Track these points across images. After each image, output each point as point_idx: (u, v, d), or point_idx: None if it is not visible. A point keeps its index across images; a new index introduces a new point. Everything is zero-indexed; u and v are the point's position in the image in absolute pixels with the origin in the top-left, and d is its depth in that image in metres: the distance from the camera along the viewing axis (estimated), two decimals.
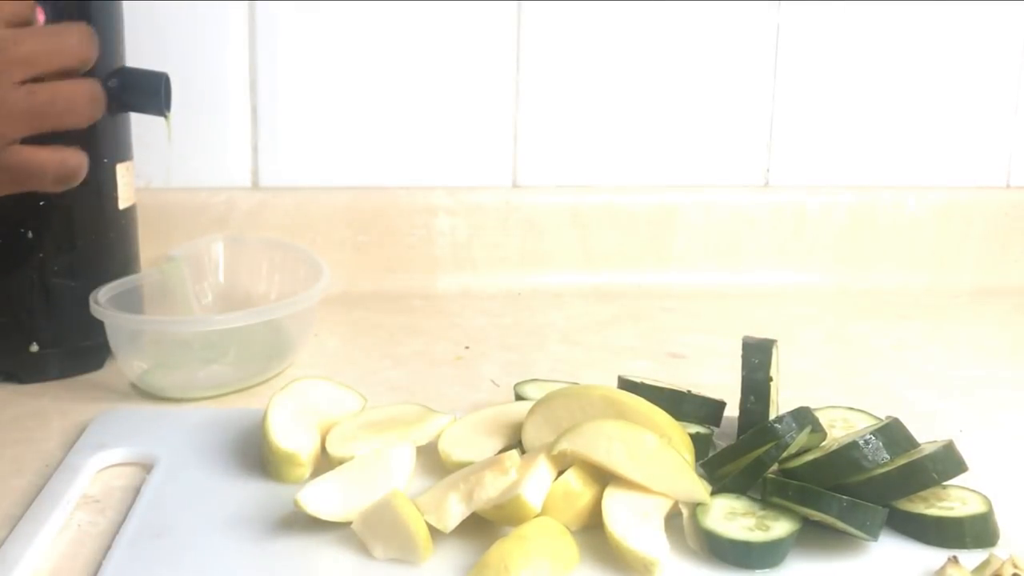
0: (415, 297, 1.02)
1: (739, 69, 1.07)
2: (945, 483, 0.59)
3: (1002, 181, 1.12)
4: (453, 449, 0.65)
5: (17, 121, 0.54)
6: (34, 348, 0.79)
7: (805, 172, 1.10)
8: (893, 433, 0.60)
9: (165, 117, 0.82)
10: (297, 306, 0.79)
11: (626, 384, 0.71)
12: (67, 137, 0.78)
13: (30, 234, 0.78)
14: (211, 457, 0.67)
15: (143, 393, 0.78)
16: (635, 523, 0.56)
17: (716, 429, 0.69)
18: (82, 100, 0.56)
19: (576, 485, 0.59)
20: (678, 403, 0.68)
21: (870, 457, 0.59)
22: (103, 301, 0.77)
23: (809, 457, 0.62)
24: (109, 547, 0.57)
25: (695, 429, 0.66)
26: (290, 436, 0.65)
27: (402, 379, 0.83)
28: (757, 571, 0.56)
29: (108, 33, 0.81)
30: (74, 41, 0.56)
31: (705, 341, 0.92)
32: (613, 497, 0.58)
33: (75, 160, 0.57)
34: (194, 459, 0.67)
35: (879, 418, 0.66)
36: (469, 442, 0.66)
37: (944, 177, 1.11)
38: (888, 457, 0.59)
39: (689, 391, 0.70)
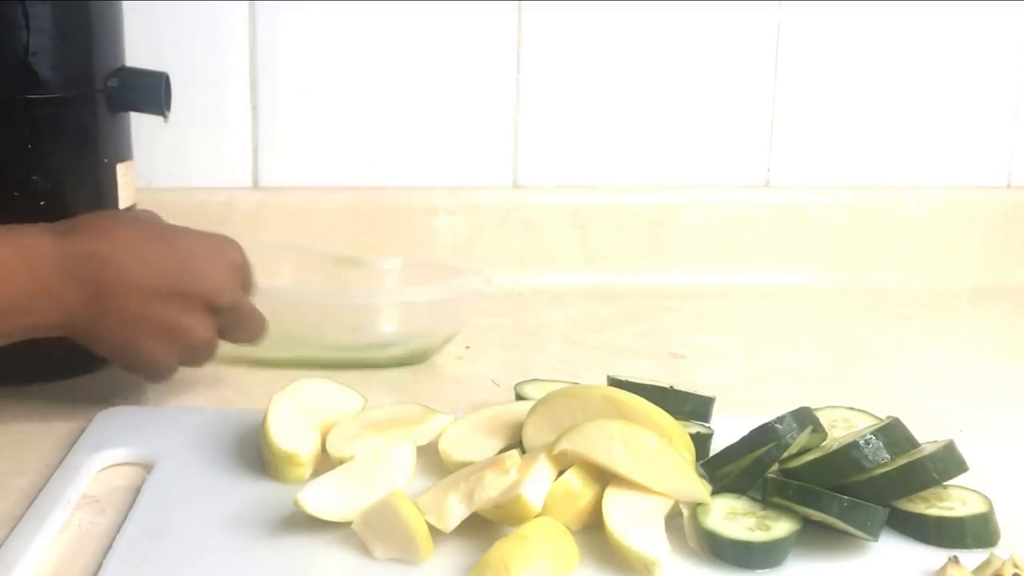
0: None
1: (740, 69, 1.07)
2: (946, 483, 0.59)
3: (1002, 181, 1.12)
4: (453, 449, 0.65)
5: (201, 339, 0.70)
6: None
7: (806, 172, 1.10)
8: (894, 433, 0.60)
9: (164, 117, 0.82)
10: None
11: (613, 382, 0.71)
12: (62, 138, 0.78)
13: None
14: (211, 457, 0.67)
15: (143, 393, 0.78)
16: (635, 523, 0.56)
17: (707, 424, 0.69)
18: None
19: (577, 485, 0.59)
20: (659, 399, 0.65)
21: (871, 457, 0.59)
22: None
23: (810, 457, 0.62)
24: (109, 547, 0.57)
25: (695, 429, 0.66)
26: (290, 436, 0.65)
27: (402, 379, 0.83)
28: (757, 571, 0.56)
29: (108, 33, 0.81)
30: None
31: (705, 341, 0.92)
32: (613, 497, 0.58)
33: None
34: (194, 459, 0.67)
35: (879, 418, 0.66)
36: (469, 442, 0.66)
37: (944, 177, 1.11)
38: (889, 457, 0.59)
39: (671, 387, 0.70)
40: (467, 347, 0.89)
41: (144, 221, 0.71)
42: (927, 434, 0.62)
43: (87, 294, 0.65)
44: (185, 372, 0.81)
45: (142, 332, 0.67)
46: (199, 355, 0.71)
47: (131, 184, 0.84)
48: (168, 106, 0.83)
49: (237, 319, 0.72)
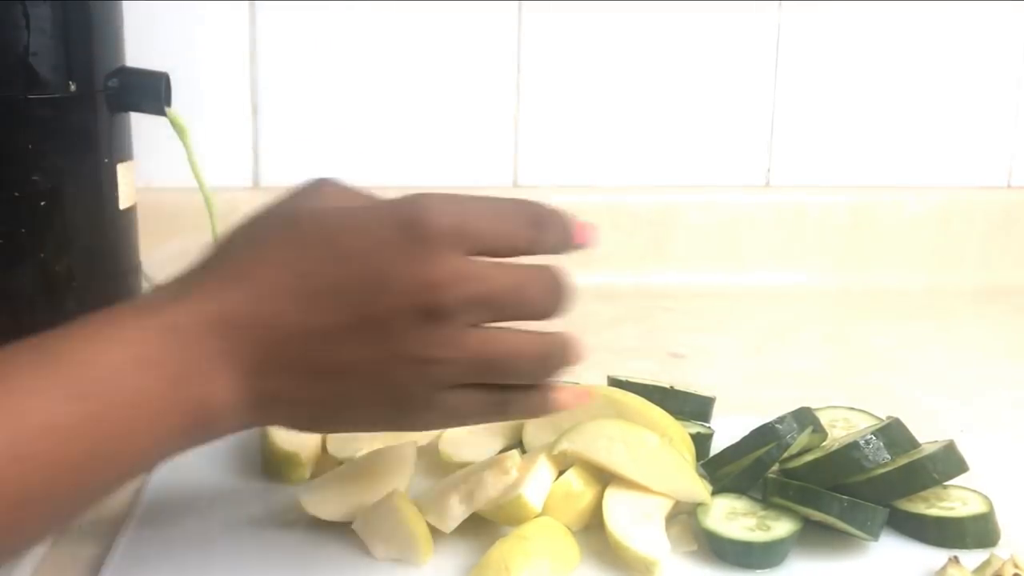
0: None
1: (740, 69, 1.07)
2: (946, 483, 0.59)
3: (1003, 181, 1.12)
4: (454, 449, 0.65)
5: (461, 367, 0.46)
6: None
7: (806, 172, 1.10)
8: (894, 433, 0.60)
9: (167, 116, 0.82)
10: None
11: (613, 382, 0.71)
12: (62, 138, 0.78)
13: (30, 234, 0.78)
14: (211, 457, 0.67)
15: None
16: (636, 523, 0.56)
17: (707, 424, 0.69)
18: (531, 357, 0.49)
19: (577, 485, 0.59)
20: (661, 399, 0.66)
21: (871, 457, 0.59)
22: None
23: (810, 457, 0.61)
24: (109, 547, 0.57)
25: (696, 429, 0.66)
26: (290, 436, 0.64)
27: None
28: (758, 571, 0.56)
29: (108, 33, 0.81)
30: (541, 294, 0.49)
31: (705, 341, 0.92)
32: (614, 497, 0.58)
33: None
34: (194, 459, 0.66)
35: (880, 418, 0.66)
36: (470, 442, 0.66)
37: (944, 177, 1.11)
38: (889, 457, 0.59)
39: (672, 387, 0.70)
40: None
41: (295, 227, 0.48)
42: (927, 434, 0.62)
43: (244, 368, 0.44)
44: None
45: (354, 385, 0.46)
46: (503, 367, 0.47)
47: (131, 184, 0.84)
48: (168, 106, 0.82)
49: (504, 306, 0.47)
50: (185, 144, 0.84)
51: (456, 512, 0.57)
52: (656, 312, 1.01)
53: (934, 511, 0.59)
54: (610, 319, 0.98)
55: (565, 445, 0.59)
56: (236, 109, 1.03)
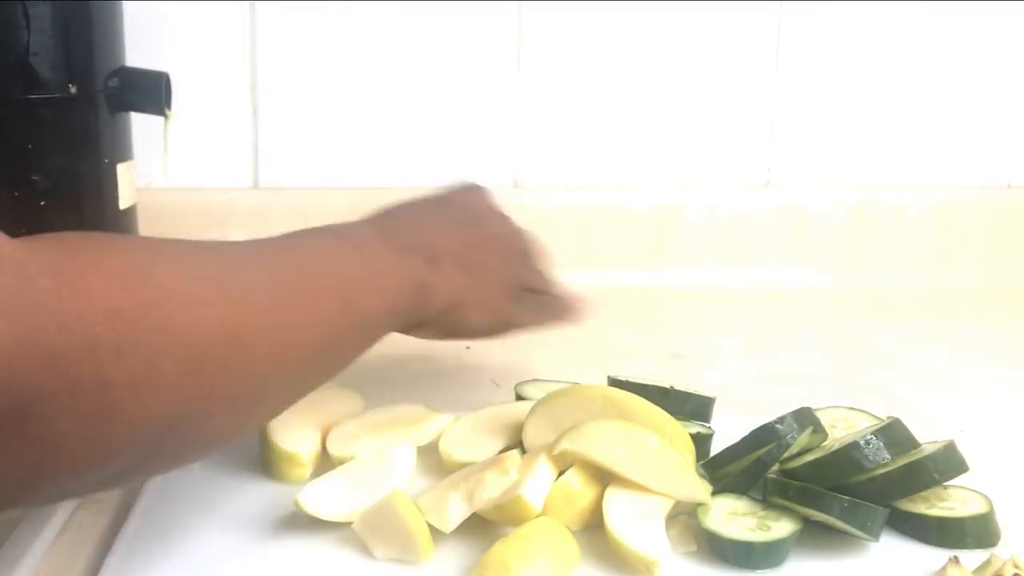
0: None
1: (741, 68, 1.07)
2: (946, 483, 0.59)
3: (1003, 181, 1.12)
4: (454, 449, 0.65)
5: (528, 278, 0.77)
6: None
7: (806, 172, 1.10)
8: (894, 433, 0.60)
9: (165, 116, 0.82)
10: None
11: (613, 382, 0.71)
12: (62, 138, 0.78)
13: (30, 234, 0.78)
14: (211, 457, 0.67)
15: None
16: (636, 523, 0.56)
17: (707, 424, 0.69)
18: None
19: (577, 485, 0.59)
20: (661, 399, 0.65)
21: (871, 457, 0.59)
22: None
23: (810, 457, 0.61)
24: (109, 547, 0.57)
25: (696, 429, 0.66)
26: (290, 436, 0.65)
27: (402, 379, 0.83)
28: (758, 571, 0.56)
29: (108, 33, 0.81)
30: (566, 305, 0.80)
31: (705, 341, 0.92)
32: (614, 497, 0.58)
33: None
34: None
35: (880, 418, 0.66)
36: (470, 442, 0.66)
37: (945, 177, 1.11)
38: (889, 457, 0.59)
39: (672, 387, 0.70)
40: (467, 347, 0.89)
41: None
42: (927, 434, 0.62)
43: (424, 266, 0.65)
44: None
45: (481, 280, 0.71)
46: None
47: (131, 184, 0.84)
48: (168, 106, 0.83)
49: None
50: (164, 128, 0.84)
51: (456, 512, 0.57)
52: (656, 312, 1.01)
53: (934, 511, 0.59)
54: (610, 319, 0.98)
55: (565, 445, 0.59)
56: (236, 109, 1.03)
